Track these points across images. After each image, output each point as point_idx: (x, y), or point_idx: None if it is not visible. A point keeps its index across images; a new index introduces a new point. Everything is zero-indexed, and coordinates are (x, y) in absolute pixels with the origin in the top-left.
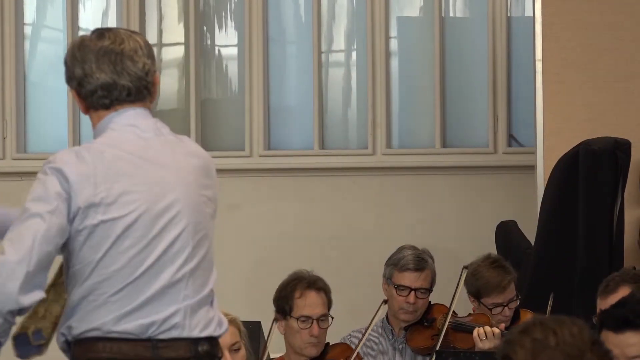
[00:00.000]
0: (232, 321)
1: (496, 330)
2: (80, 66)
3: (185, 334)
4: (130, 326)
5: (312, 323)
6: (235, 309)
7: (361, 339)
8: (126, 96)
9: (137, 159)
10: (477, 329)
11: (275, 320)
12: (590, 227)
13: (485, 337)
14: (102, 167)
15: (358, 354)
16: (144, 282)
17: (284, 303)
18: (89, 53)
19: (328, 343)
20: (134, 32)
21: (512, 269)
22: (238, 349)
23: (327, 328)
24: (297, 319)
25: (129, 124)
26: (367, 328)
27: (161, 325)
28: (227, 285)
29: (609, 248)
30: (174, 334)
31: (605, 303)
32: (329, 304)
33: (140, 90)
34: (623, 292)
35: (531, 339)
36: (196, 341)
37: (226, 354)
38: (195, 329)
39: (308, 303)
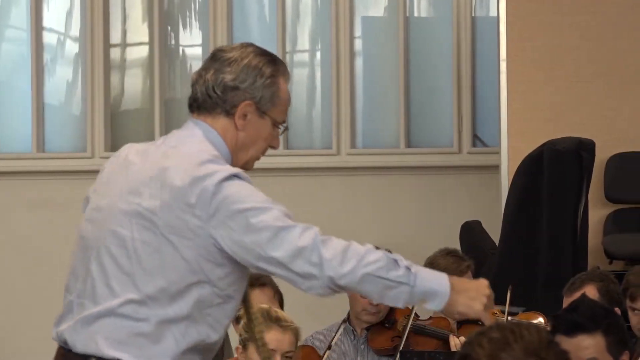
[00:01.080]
0: (294, 330)
1: None
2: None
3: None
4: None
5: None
6: None
7: (325, 352)
8: (194, 102)
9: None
10: (452, 337)
11: None
12: (554, 226)
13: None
14: None
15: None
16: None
17: None
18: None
19: None
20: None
21: (468, 259)
22: (290, 358)
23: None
24: None
25: None
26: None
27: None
28: None
29: (573, 247)
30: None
31: (569, 300)
32: (278, 297)
33: (206, 102)
34: (588, 290)
35: (489, 338)
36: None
37: (278, 358)
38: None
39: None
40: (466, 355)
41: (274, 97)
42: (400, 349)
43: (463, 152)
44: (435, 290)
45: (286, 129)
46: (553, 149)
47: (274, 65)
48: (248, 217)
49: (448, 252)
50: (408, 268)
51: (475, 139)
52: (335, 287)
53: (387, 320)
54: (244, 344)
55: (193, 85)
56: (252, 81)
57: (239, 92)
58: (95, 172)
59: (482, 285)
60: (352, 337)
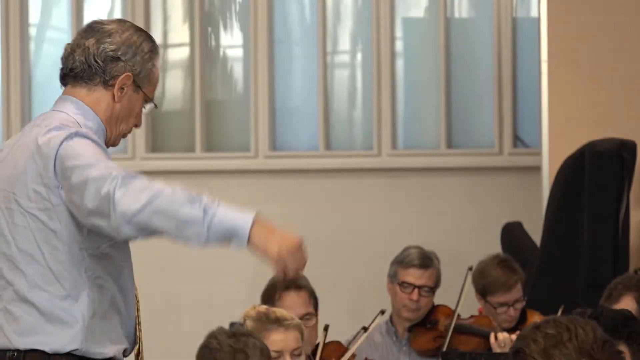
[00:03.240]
0: (297, 326)
1: (513, 336)
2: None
3: None
4: None
5: None
6: (239, 310)
7: (354, 341)
8: (71, 72)
9: None
10: (492, 333)
11: None
12: (595, 228)
13: (504, 344)
14: None
15: (353, 354)
16: None
17: (267, 305)
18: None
19: (318, 343)
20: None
21: (519, 270)
22: (299, 354)
23: (314, 325)
24: None
25: None
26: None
27: None
28: (230, 286)
29: (614, 249)
30: None
31: None
32: (313, 302)
33: (85, 71)
34: (626, 302)
35: (544, 334)
36: None
37: (287, 358)
38: None
39: (288, 304)
40: (519, 349)
41: (150, 74)
42: (445, 349)
43: (504, 153)
44: (235, 229)
45: (155, 106)
46: (594, 150)
47: (151, 43)
48: (73, 175)
49: (500, 261)
50: (206, 207)
51: (517, 140)
52: (131, 225)
53: (428, 321)
54: None
55: (68, 55)
56: (132, 54)
57: (120, 63)
58: None
59: (292, 237)
60: (394, 338)
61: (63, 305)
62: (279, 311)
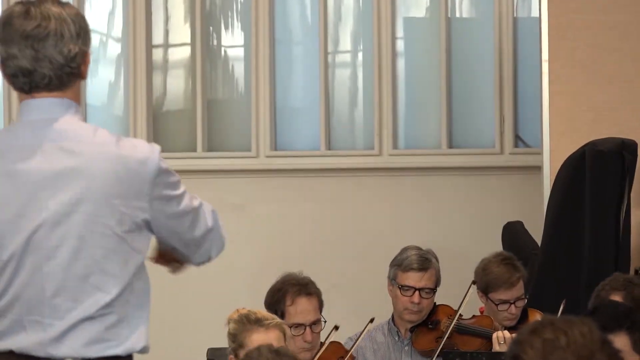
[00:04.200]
0: (278, 325)
1: (514, 336)
2: (3, 47)
3: None
4: None
5: (305, 329)
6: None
7: (354, 344)
8: (45, 85)
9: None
10: (496, 332)
11: None
12: (596, 227)
13: (504, 341)
14: None
15: (351, 354)
16: None
17: (275, 309)
18: (14, 34)
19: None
20: (66, 5)
21: (522, 268)
22: None
23: (320, 332)
24: (290, 326)
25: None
26: (359, 336)
27: None
28: (232, 286)
29: (615, 248)
30: None
31: None
32: (320, 307)
33: (61, 78)
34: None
35: (542, 339)
36: None
37: None
38: None
39: (300, 310)
40: (517, 356)
41: (90, 31)
42: (443, 349)
43: (505, 153)
44: None
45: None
46: (595, 149)
47: (73, 6)
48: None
49: (503, 259)
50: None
51: (517, 140)
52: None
53: (430, 322)
54: (235, 352)
55: (34, 70)
56: (83, 35)
57: (81, 51)
58: None
59: None
60: (396, 338)
61: None
62: (260, 312)
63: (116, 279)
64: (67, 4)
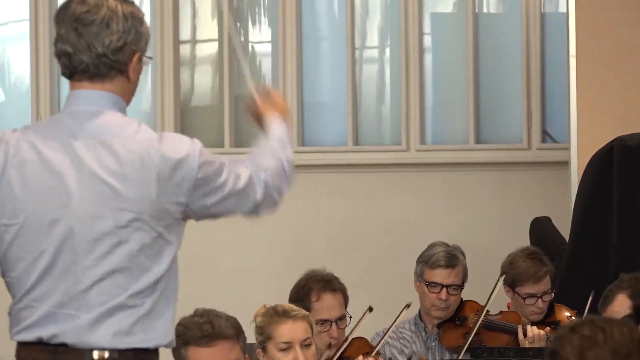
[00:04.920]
0: (305, 317)
1: (542, 332)
2: (57, 28)
3: None
4: None
5: (330, 325)
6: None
7: (381, 339)
8: (83, 71)
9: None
10: (520, 326)
11: None
12: (624, 222)
13: (532, 339)
14: None
15: (378, 351)
16: None
17: (300, 306)
18: (66, 16)
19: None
20: (128, 3)
21: (548, 262)
22: (309, 345)
23: (345, 328)
24: (316, 323)
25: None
26: (387, 330)
27: None
28: (258, 281)
29: None
30: None
31: (605, 315)
32: (345, 302)
33: (99, 68)
34: (620, 300)
35: (580, 335)
36: None
37: (297, 348)
38: None
39: (325, 306)
40: (555, 351)
41: (147, 37)
42: (470, 345)
43: (532, 148)
44: None
45: (150, 58)
46: (623, 144)
47: (135, 6)
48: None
49: (530, 253)
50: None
51: (545, 135)
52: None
53: (457, 317)
54: (262, 346)
55: (73, 54)
56: (134, 34)
57: (127, 48)
58: None
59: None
60: (423, 334)
61: None
62: (286, 305)
63: (149, 273)
64: (131, 2)
